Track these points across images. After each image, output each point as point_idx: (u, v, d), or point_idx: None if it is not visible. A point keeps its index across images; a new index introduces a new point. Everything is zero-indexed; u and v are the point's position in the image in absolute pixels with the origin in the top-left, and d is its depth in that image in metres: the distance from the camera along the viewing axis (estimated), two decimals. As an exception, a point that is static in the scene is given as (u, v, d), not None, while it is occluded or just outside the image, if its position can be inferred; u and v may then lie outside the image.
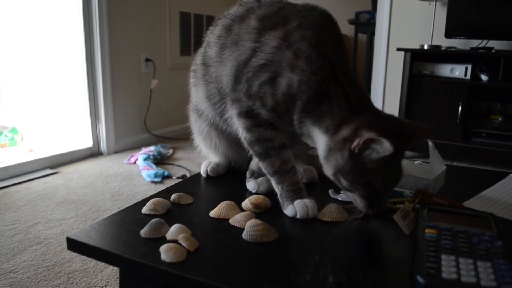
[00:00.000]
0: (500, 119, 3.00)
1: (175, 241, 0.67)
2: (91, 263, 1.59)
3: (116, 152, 3.19)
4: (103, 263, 1.54)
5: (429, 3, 3.17)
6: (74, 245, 0.69)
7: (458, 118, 2.95)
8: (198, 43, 4.10)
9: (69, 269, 1.56)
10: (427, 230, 0.64)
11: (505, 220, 0.80)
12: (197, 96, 0.98)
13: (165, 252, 0.62)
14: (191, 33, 3.88)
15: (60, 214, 2.04)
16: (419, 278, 0.53)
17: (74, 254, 1.60)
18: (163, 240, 0.68)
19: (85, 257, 1.56)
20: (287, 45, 0.76)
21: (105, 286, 1.46)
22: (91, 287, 1.45)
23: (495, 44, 3.08)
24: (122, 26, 3.15)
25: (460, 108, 2.94)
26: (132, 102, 3.35)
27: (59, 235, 1.83)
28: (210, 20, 4.05)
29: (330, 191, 0.90)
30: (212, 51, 0.90)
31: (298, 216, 0.78)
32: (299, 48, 0.75)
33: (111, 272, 1.54)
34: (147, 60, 3.41)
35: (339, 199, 0.87)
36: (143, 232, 0.70)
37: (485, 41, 3.12)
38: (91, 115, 3.10)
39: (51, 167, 2.75)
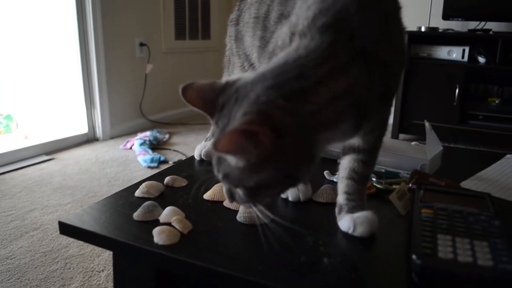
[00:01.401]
0: (497, 102, 2.99)
1: (168, 224, 0.66)
2: (88, 248, 1.59)
3: (112, 138, 3.17)
4: (100, 248, 1.53)
5: (427, -15, 3.13)
6: (66, 229, 0.68)
7: (455, 100, 2.94)
8: (193, 27, 4.07)
9: (66, 254, 1.56)
10: (423, 210, 0.64)
11: (502, 200, 0.80)
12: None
13: (158, 235, 0.61)
14: (186, 16, 3.82)
15: (56, 200, 2.03)
16: (415, 258, 0.52)
17: (71, 239, 1.60)
18: (157, 223, 0.67)
19: (82, 243, 1.56)
20: None
21: (102, 271, 1.46)
22: (88, 272, 1.45)
23: (493, 26, 3.06)
24: (116, 10, 3.10)
25: (457, 90, 2.92)
26: (127, 87, 3.32)
27: (55, 221, 1.83)
28: (205, 5, 4.00)
29: (325, 173, 0.89)
30: None
31: (290, 199, 0.77)
32: None
33: (108, 257, 1.54)
34: (141, 44, 3.36)
35: (335, 180, 0.86)
36: (136, 215, 0.69)
37: (482, 23, 3.10)
38: (86, 101, 3.07)
39: (47, 154, 2.73)
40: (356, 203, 0.67)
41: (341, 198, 0.68)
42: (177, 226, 0.64)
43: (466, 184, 0.87)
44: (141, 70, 3.40)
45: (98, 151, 2.86)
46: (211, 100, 0.54)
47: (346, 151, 0.68)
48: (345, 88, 0.53)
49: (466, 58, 2.95)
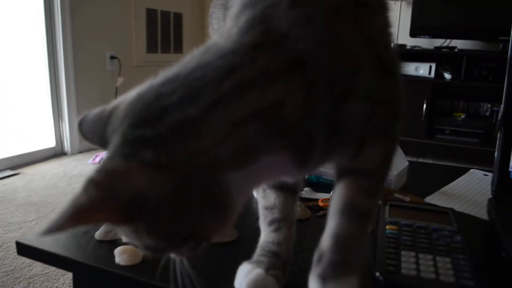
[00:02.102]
0: (463, 117, 3.08)
1: (131, 244, 0.64)
2: (52, 267, 1.54)
3: (80, 152, 3.10)
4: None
5: (395, 3, 3.23)
6: (24, 249, 0.66)
7: (423, 115, 3.02)
8: (165, 40, 4.05)
9: (29, 273, 1.51)
10: (388, 227, 0.64)
11: (465, 214, 0.81)
12: None
13: (120, 255, 0.59)
14: (158, 30, 3.81)
15: (20, 217, 1.97)
16: (378, 276, 0.52)
17: (34, 258, 1.55)
18: (119, 243, 0.65)
19: (45, 261, 1.51)
20: None
21: None
22: (52, 292, 1.40)
23: (458, 44, 3.17)
24: (86, 22, 3.06)
25: (424, 105, 3.00)
26: (97, 100, 3.25)
27: (19, 239, 1.76)
28: (178, 18, 4.00)
29: None
30: None
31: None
32: None
33: (73, 276, 1.49)
34: (112, 57, 3.33)
35: (302, 196, 0.86)
36: (97, 234, 0.67)
37: (448, 41, 3.20)
38: (54, 114, 3.00)
39: (11, 168, 2.65)
40: (341, 255, 0.47)
41: (325, 243, 0.48)
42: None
43: (431, 199, 0.88)
44: (111, 83, 3.35)
45: (66, 165, 2.79)
46: (101, 134, 0.40)
47: (342, 173, 0.48)
48: (263, 107, 0.37)
49: (432, 74, 3.04)
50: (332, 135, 0.41)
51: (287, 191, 0.57)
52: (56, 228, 0.32)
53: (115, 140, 0.36)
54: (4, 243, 1.73)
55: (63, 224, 0.32)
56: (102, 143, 0.40)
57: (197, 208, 0.36)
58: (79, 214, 0.33)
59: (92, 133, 0.42)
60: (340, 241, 0.47)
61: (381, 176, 0.50)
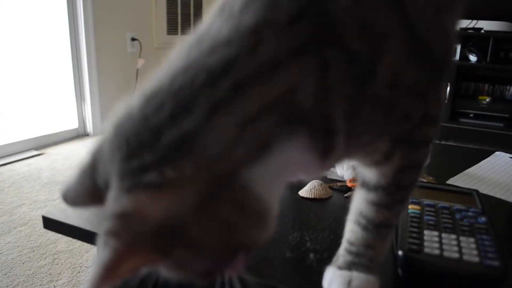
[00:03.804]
0: (487, 100, 3.01)
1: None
2: (77, 243, 1.58)
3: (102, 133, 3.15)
4: (89, 244, 1.52)
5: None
6: (50, 223, 0.68)
7: (446, 98, 2.95)
8: (186, 22, 4.05)
9: (54, 250, 1.55)
10: (410, 206, 0.64)
11: (490, 197, 0.80)
12: None
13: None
14: (178, 11, 3.80)
15: (45, 196, 2.02)
16: (401, 254, 0.52)
17: (60, 235, 1.59)
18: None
19: (70, 238, 1.55)
20: None
21: (91, 266, 1.45)
22: (77, 268, 1.44)
23: (484, 25, 3.08)
24: (107, 4, 3.07)
25: (448, 88, 2.93)
26: (119, 82, 3.30)
27: (45, 214, 1.81)
28: (198, -1, 3.98)
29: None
30: None
31: None
32: None
33: (96, 253, 1.53)
34: (133, 39, 3.34)
35: (327, 176, 0.86)
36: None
37: (474, 22, 3.11)
38: (77, 96, 3.04)
39: (36, 149, 2.71)
40: (358, 259, 0.46)
41: (342, 246, 0.48)
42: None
43: (454, 180, 0.87)
44: (132, 65, 3.37)
45: (88, 146, 2.83)
46: (93, 187, 0.34)
47: (360, 183, 0.46)
48: (272, 100, 0.31)
49: (457, 57, 2.97)
50: (354, 118, 0.35)
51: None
52: None
53: (112, 183, 0.31)
54: (30, 220, 1.78)
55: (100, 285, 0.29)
56: (97, 197, 0.33)
57: (231, 216, 0.32)
58: (111, 272, 0.29)
59: (80, 196, 0.36)
60: (351, 248, 0.46)
61: (398, 191, 0.44)
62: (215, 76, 0.30)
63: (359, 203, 0.46)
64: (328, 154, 0.36)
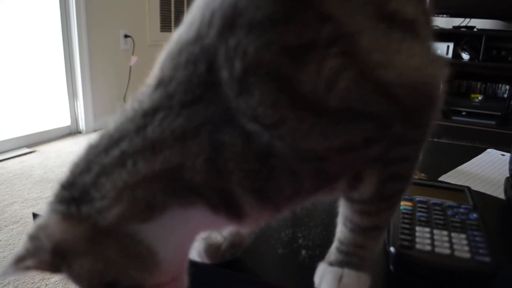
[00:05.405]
0: (480, 98, 3.03)
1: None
2: (68, 241, 1.57)
3: (95, 131, 3.13)
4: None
5: (413, -20, 3.15)
6: (41, 221, 0.67)
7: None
8: (179, 19, 4.02)
9: (45, 248, 1.54)
10: (402, 203, 0.64)
11: (482, 193, 0.80)
12: None
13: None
14: (172, 8, 3.79)
15: (37, 193, 2.00)
16: (392, 250, 0.52)
17: (51, 233, 1.58)
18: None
19: (62, 236, 1.54)
20: None
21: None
22: (68, 266, 1.44)
23: (477, 23, 3.09)
24: (100, 1, 3.05)
25: (441, 86, 2.95)
26: (112, 79, 3.28)
27: (36, 211, 1.80)
28: (191, -4, 3.96)
29: None
30: None
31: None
32: None
33: (89, 251, 1.52)
34: (126, 36, 3.32)
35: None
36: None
37: (467, 20, 3.13)
38: (69, 93, 3.02)
39: (28, 146, 2.69)
40: (348, 258, 0.46)
41: (334, 244, 0.48)
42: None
43: (446, 177, 0.87)
44: (125, 62, 3.36)
45: (81, 144, 2.81)
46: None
47: (342, 196, 0.46)
48: (155, 172, 0.36)
49: (450, 54, 2.98)
50: (269, 186, 0.37)
51: None
52: (3, 274, 0.38)
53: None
54: (21, 218, 1.76)
55: (8, 271, 0.38)
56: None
57: (114, 258, 0.37)
58: (18, 263, 0.37)
59: (44, 265, 0.40)
60: (341, 247, 0.47)
61: (383, 200, 0.44)
62: (109, 144, 0.37)
63: (344, 209, 0.46)
64: (241, 219, 0.38)
